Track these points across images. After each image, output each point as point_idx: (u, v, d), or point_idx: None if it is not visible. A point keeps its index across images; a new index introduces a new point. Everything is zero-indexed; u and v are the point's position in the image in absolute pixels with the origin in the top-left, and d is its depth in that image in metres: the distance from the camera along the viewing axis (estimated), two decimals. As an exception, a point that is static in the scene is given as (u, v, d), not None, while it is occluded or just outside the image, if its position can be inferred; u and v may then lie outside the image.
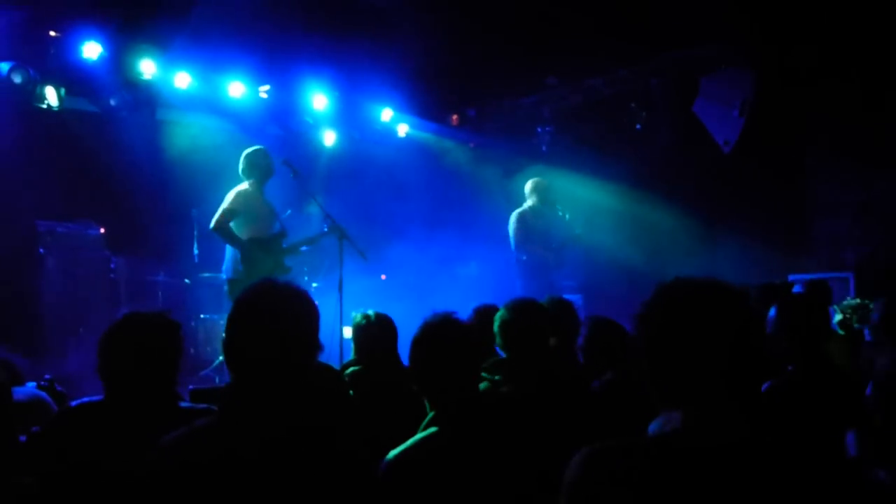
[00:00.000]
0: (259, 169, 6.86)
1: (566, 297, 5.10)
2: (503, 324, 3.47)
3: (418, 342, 2.67)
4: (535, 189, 8.49)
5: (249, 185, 6.81)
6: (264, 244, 6.76)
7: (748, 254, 8.36)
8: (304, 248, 7.21)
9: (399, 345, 4.26)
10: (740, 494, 1.53)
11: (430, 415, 2.58)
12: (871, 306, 4.68)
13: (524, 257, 8.09)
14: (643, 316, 1.74)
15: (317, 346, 2.17)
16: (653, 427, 1.67)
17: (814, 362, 3.26)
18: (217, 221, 6.61)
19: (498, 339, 3.48)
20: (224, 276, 6.87)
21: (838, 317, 5.01)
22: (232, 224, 6.66)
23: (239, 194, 6.70)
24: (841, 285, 7.82)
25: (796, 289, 5.61)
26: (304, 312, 2.14)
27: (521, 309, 3.50)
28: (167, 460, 1.95)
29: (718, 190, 9.18)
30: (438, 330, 2.66)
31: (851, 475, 1.70)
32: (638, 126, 10.13)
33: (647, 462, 1.55)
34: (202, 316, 8.09)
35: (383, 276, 9.60)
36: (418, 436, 2.51)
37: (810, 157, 9.11)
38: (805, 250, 8.97)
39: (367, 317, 3.90)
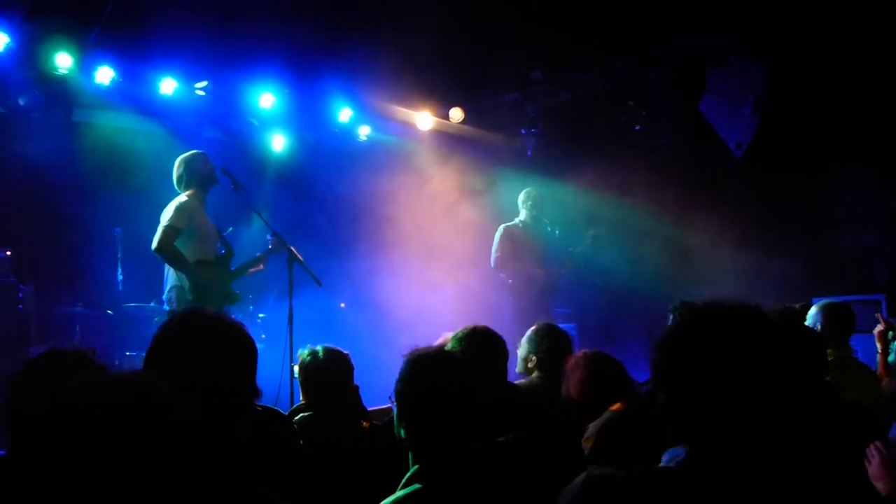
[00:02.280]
0: (199, 177, 6.73)
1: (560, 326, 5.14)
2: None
3: (410, 381, 2.63)
4: (527, 200, 8.56)
5: (188, 197, 6.65)
6: (213, 267, 6.67)
7: (767, 273, 8.43)
8: (251, 270, 7.11)
9: (365, 385, 4.27)
10: None
11: (414, 469, 2.55)
12: None
13: (509, 279, 8.11)
14: (665, 343, 1.77)
15: (251, 392, 2.13)
16: (663, 461, 1.77)
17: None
18: (160, 241, 6.41)
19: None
20: (165, 307, 6.73)
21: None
22: (176, 244, 6.52)
23: (180, 208, 6.52)
24: (871, 308, 7.90)
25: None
26: (234, 351, 2.11)
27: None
28: None
29: (730, 200, 9.26)
30: (436, 367, 2.63)
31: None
32: (637, 126, 10.21)
33: (646, 495, 1.62)
34: (128, 353, 7.99)
35: (343, 305, 9.56)
36: (398, 494, 2.47)
37: (834, 161, 9.22)
38: (831, 268, 9.05)
39: (313, 353, 3.86)
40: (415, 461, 2.58)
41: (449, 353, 2.70)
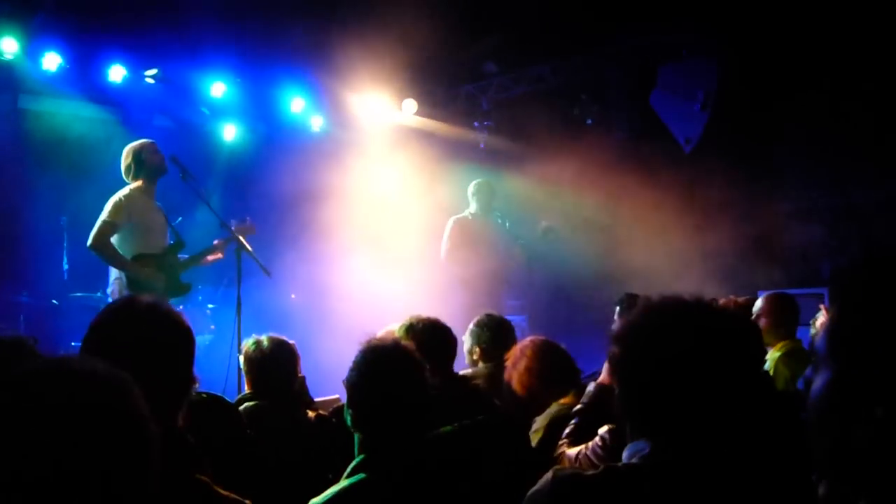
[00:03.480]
0: (147, 167, 6.61)
1: (508, 318, 5.18)
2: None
3: (362, 374, 2.64)
4: (477, 192, 8.59)
5: (135, 188, 6.56)
6: (155, 261, 6.58)
7: (714, 265, 8.56)
8: (209, 258, 7.02)
9: (313, 375, 4.27)
10: None
11: (359, 458, 2.56)
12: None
13: (459, 271, 8.14)
14: (624, 336, 1.79)
15: (188, 381, 2.13)
16: (625, 456, 1.79)
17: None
18: (95, 238, 6.32)
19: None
20: (108, 298, 6.67)
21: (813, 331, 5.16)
22: (115, 238, 6.40)
23: (121, 203, 6.41)
24: (813, 302, 8.06)
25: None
26: (170, 338, 2.10)
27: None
28: None
29: (679, 194, 9.37)
30: (389, 360, 2.65)
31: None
32: (589, 121, 10.30)
33: (613, 493, 1.66)
34: (73, 344, 7.88)
35: (293, 296, 9.53)
36: (344, 483, 2.48)
37: (781, 155, 9.39)
38: (776, 262, 9.22)
39: (258, 342, 3.87)
40: (361, 450, 2.59)
41: (403, 345, 2.71)
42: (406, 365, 2.66)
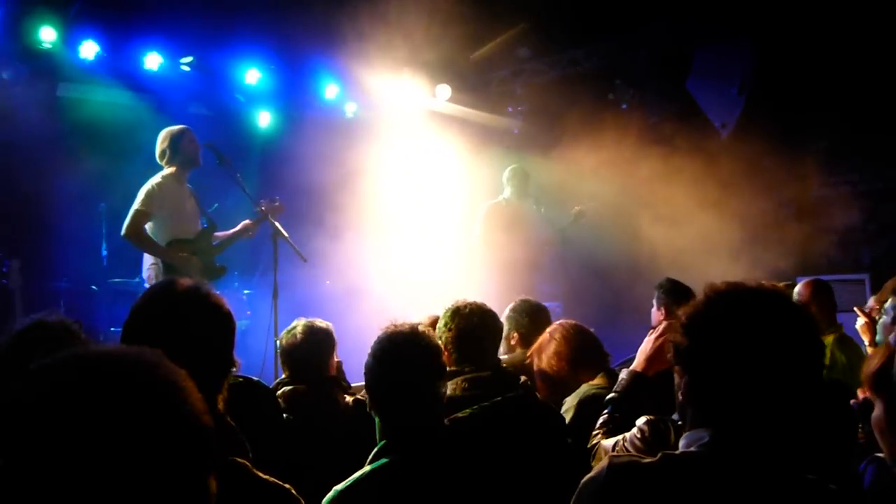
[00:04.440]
0: (183, 155, 6.68)
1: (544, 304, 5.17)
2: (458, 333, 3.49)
3: (377, 360, 2.66)
4: (512, 177, 8.57)
5: (167, 175, 6.62)
6: (190, 245, 6.65)
7: (751, 250, 8.48)
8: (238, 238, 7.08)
9: (350, 361, 4.28)
10: None
11: (381, 443, 2.58)
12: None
13: (490, 254, 8.13)
14: (693, 325, 1.78)
15: (228, 364, 2.14)
16: (682, 444, 1.80)
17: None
18: (128, 227, 6.42)
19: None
20: (144, 284, 6.73)
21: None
22: (149, 225, 6.49)
23: (153, 191, 6.50)
24: (856, 288, 7.98)
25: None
26: (211, 321, 2.12)
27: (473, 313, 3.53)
28: None
29: (715, 178, 9.28)
30: (403, 347, 2.66)
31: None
32: (624, 105, 10.22)
33: (671, 481, 1.66)
34: (112, 329, 7.99)
35: (328, 282, 9.57)
36: (366, 469, 2.50)
37: (820, 140, 9.26)
38: (815, 248, 9.11)
39: (295, 327, 3.90)
40: (382, 435, 2.61)
41: (420, 331, 2.70)
42: (421, 351, 2.66)
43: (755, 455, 1.69)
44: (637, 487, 1.66)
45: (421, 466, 2.52)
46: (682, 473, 1.68)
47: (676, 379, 1.89)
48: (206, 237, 6.85)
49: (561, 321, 4.08)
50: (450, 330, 3.48)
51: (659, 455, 1.74)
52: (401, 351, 2.65)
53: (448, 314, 3.57)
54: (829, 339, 5.38)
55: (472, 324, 3.50)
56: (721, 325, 1.77)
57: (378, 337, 2.70)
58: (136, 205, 6.45)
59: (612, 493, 1.67)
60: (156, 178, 6.59)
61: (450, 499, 2.50)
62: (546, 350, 3.90)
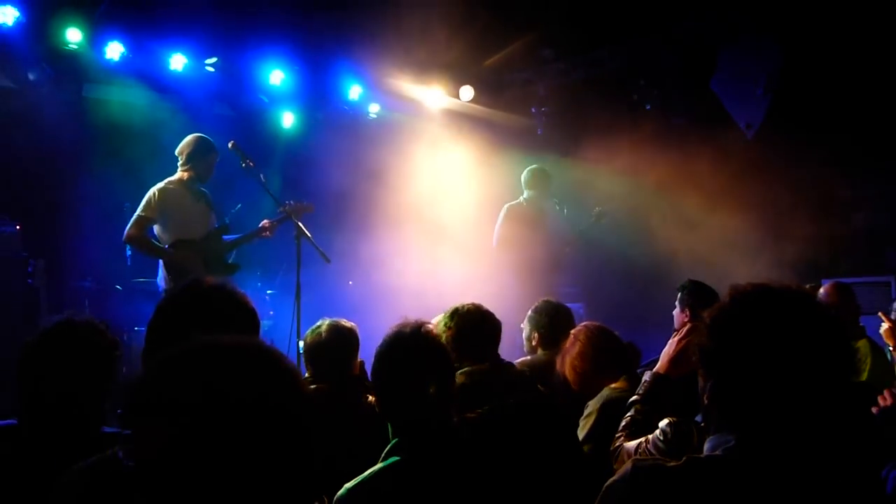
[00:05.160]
0: (198, 169, 6.88)
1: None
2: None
3: (382, 357, 2.67)
4: (532, 179, 8.55)
5: (174, 181, 6.82)
6: (193, 245, 6.77)
7: (775, 252, 8.42)
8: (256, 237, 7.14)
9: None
10: None
11: (393, 442, 2.58)
12: None
13: (509, 256, 8.11)
14: (718, 327, 1.76)
15: None
16: (707, 448, 1.79)
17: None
18: (127, 232, 6.67)
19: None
20: (160, 285, 6.85)
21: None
22: (156, 228, 6.72)
23: (153, 197, 6.70)
24: (881, 290, 7.91)
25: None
26: (236, 319, 2.13)
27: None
28: (66, 492, 1.95)
29: (739, 180, 9.22)
30: (408, 344, 2.66)
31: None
32: (648, 106, 10.17)
33: (695, 485, 1.65)
34: (137, 329, 8.04)
35: (351, 283, 9.59)
36: (377, 467, 2.51)
37: (845, 140, 9.17)
38: (840, 249, 9.04)
39: (319, 326, 3.92)
40: (394, 434, 2.61)
41: (423, 331, 2.70)
42: (426, 349, 2.66)
43: (781, 460, 1.66)
44: (661, 491, 1.65)
45: (431, 465, 2.52)
46: (707, 477, 1.66)
47: (701, 382, 1.87)
48: (216, 237, 6.97)
49: (585, 322, 4.09)
50: (449, 329, 3.70)
51: (684, 459, 1.72)
52: (405, 350, 2.65)
53: (447, 315, 3.79)
54: (861, 344, 5.35)
55: (471, 323, 3.72)
56: (747, 327, 1.74)
57: (384, 337, 2.71)
58: (137, 210, 6.71)
59: (637, 497, 1.66)
60: (159, 185, 6.80)
61: (459, 498, 2.50)
62: (570, 352, 3.91)
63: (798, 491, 1.65)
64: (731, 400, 1.75)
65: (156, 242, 6.75)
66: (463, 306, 3.82)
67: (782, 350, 1.70)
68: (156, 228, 6.71)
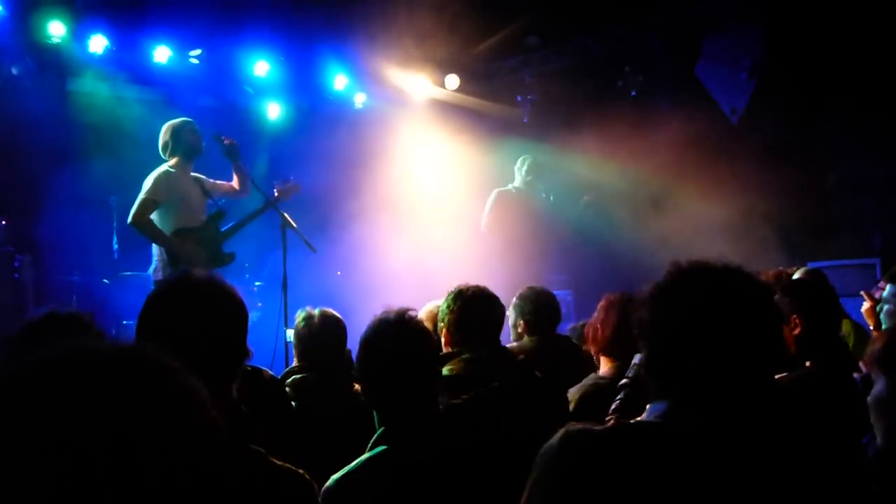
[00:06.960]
0: (184, 146, 6.79)
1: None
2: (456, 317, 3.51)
3: (367, 345, 2.67)
4: (523, 166, 8.58)
5: (171, 165, 6.74)
6: (195, 234, 6.71)
7: (762, 236, 8.46)
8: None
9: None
10: (714, 481, 1.66)
11: (379, 431, 2.59)
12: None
13: (496, 241, 8.14)
14: (650, 298, 1.81)
15: (241, 352, 2.17)
16: (644, 417, 1.83)
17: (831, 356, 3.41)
18: (135, 215, 6.51)
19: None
20: (152, 276, 6.81)
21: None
22: (155, 214, 6.58)
23: (158, 179, 6.59)
24: (866, 273, 7.96)
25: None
26: (225, 311, 2.14)
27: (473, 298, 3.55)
28: None
29: (725, 165, 9.25)
30: (392, 331, 2.67)
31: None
32: (633, 93, 10.18)
33: (623, 449, 1.67)
34: (125, 322, 8.04)
35: (339, 273, 9.59)
36: (364, 457, 2.52)
37: (830, 124, 9.22)
38: (826, 233, 9.09)
39: (309, 315, 3.92)
40: (380, 423, 2.62)
41: (407, 318, 2.69)
42: (409, 337, 2.66)
43: (708, 425, 1.70)
44: (589, 454, 1.67)
45: (417, 453, 2.53)
46: (635, 441, 1.69)
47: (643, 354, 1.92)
48: (214, 223, 6.93)
49: (607, 294, 4.12)
50: (452, 312, 3.52)
51: (613, 423, 1.77)
52: (389, 338, 2.65)
53: (450, 297, 3.59)
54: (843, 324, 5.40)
55: (474, 306, 3.53)
56: (679, 299, 1.80)
57: (368, 325, 2.71)
58: (142, 193, 6.55)
59: (565, 460, 1.68)
60: (161, 168, 6.69)
61: (447, 485, 2.51)
62: (606, 318, 3.97)
63: (723, 455, 1.69)
64: (664, 369, 1.80)
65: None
66: (467, 288, 3.60)
67: (712, 321, 1.75)
68: (154, 215, 6.57)
